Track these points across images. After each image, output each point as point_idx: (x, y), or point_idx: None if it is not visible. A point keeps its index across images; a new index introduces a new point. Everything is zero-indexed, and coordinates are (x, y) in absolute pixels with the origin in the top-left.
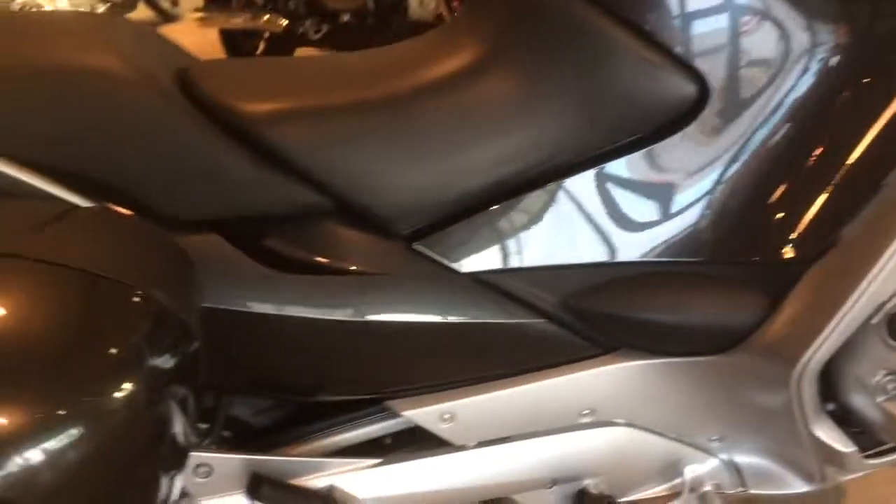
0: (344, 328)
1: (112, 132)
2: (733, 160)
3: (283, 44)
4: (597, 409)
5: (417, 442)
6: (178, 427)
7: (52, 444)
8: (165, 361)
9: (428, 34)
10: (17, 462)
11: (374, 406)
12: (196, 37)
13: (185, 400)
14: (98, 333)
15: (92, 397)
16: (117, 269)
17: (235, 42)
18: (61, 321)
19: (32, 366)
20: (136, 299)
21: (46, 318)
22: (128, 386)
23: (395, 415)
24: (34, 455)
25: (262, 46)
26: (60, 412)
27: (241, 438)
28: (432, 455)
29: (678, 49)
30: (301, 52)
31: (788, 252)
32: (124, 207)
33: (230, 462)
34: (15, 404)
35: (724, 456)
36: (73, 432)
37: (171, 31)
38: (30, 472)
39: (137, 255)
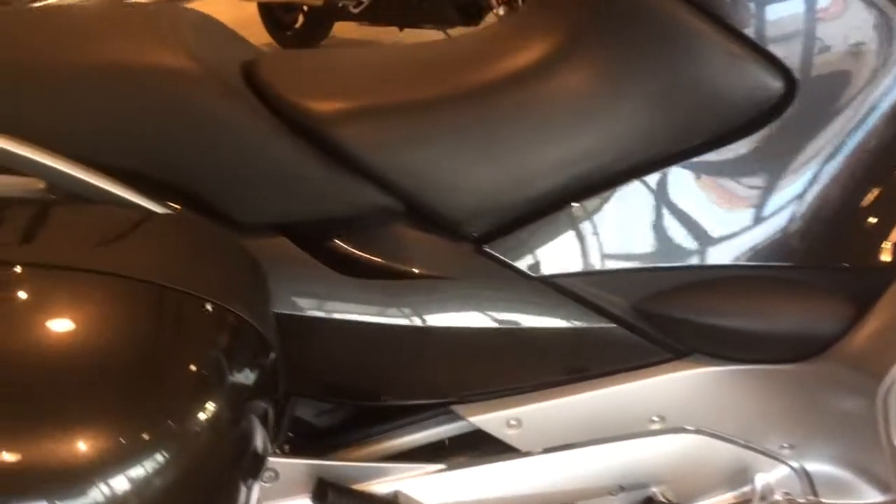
0: (412, 332)
1: (180, 132)
2: (823, 160)
3: (322, 17)
4: (666, 416)
5: (477, 445)
6: (259, 441)
7: (135, 470)
8: (246, 376)
9: (498, 24)
10: (100, 490)
11: (436, 409)
12: (235, 11)
13: (265, 413)
14: (178, 351)
15: (175, 419)
16: (196, 281)
17: (274, 16)
18: (139, 339)
19: (111, 388)
20: (214, 312)
21: (124, 337)
22: (211, 405)
23: (457, 418)
24: (117, 482)
25: (300, 20)
26: (144, 436)
27: (303, 439)
28: (497, 461)
29: (764, 42)
30: (340, 26)
31: (879, 258)
32: (190, 210)
33: (296, 467)
34: (94, 430)
35: (795, 463)
36: (157, 457)
37: (209, 6)
38: (114, 499)
39: (214, 264)
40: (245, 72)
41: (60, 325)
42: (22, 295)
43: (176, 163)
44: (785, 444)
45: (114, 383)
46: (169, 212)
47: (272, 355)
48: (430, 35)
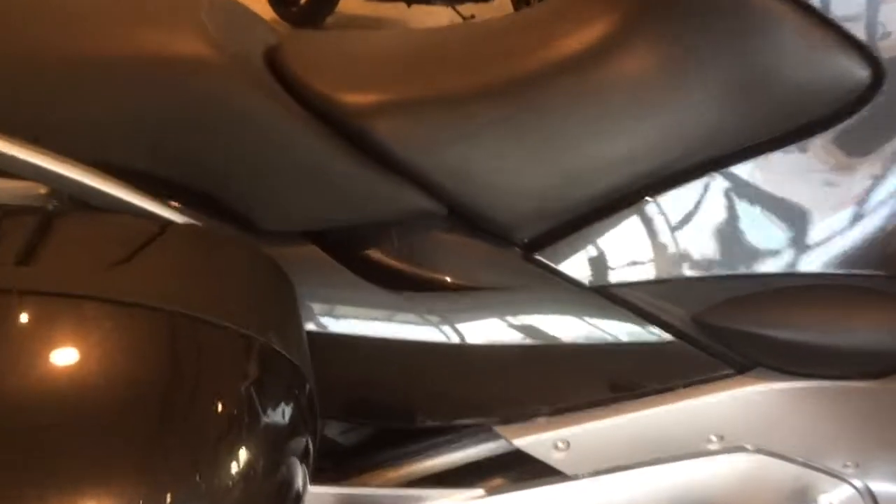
0: (455, 349)
1: (198, 129)
2: None
3: None
4: (725, 435)
5: (516, 466)
6: (298, 482)
7: None
8: (280, 416)
9: (542, 4)
10: None
11: (473, 429)
12: None
13: (303, 452)
14: (201, 394)
15: (203, 473)
16: (220, 307)
17: None
18: (153, 382)
19: (123, 442)
20: (243, 344)
21: (136, 379)
22: (243, 453)
23: (496, 437)
24: None
25: None
26: (167, 497)
27: (327, 460)
28: (540, 485)
29: (848, 26)
30: (346, 2)
31: None
32: (213, 217)
33: (323, 498)
34: (106, 492)
35: (859, 483)
36: None
37: None
38: None
39: (241, 285)
40: (269, 59)
41: (60, 366)
42: (16, 328)
43: (194, 164)
44: (849, 463)
45: (127, 435)
46: (186, 221)
47: (308, 388)
48: (439, 12)
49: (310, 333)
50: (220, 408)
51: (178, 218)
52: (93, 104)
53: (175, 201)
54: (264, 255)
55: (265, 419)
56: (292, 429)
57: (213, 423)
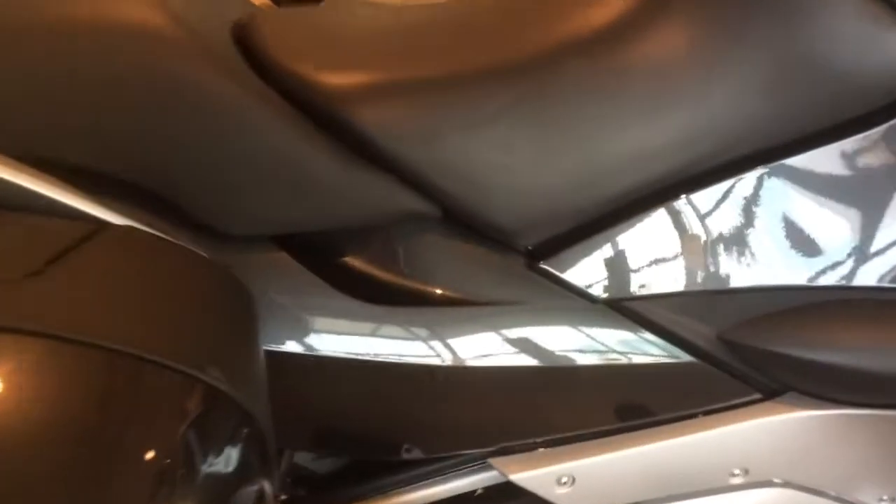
0: (447, 372)
1: (149, 115)
2: None
3: None
4: (750, 468)
5: (512, 498)
6: None
7: None
8: (225, 465)
9: None
10: None
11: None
12: None
13: (259, 499)
14: (128, 447)
15: None
16: (152, 337)
17: None
18: (67, 434)
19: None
20: (181, 385)
21: (44, 432)
22: None
23: (490, 470)
24: None
25: None
26: None
27: (303, 488)
28: None
29: None
30: None
31: None
32: (163, 220)
33: None
34: None
35: None
36: None
37: None
38: None
39: (183, 306)
40: (237, 36)
41: None
42: None
43: (138, 156)
44: (885, 497)
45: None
46: (126, 224)
47: (259, 430)
48: None
49: (276, 354)
50: (149, 462)
51: (117, 221)
52: (17, 82)
53: (115, 201)
54: (218, 266)
55: (205, 471)
56: (239, 479)
57: (140, 480)
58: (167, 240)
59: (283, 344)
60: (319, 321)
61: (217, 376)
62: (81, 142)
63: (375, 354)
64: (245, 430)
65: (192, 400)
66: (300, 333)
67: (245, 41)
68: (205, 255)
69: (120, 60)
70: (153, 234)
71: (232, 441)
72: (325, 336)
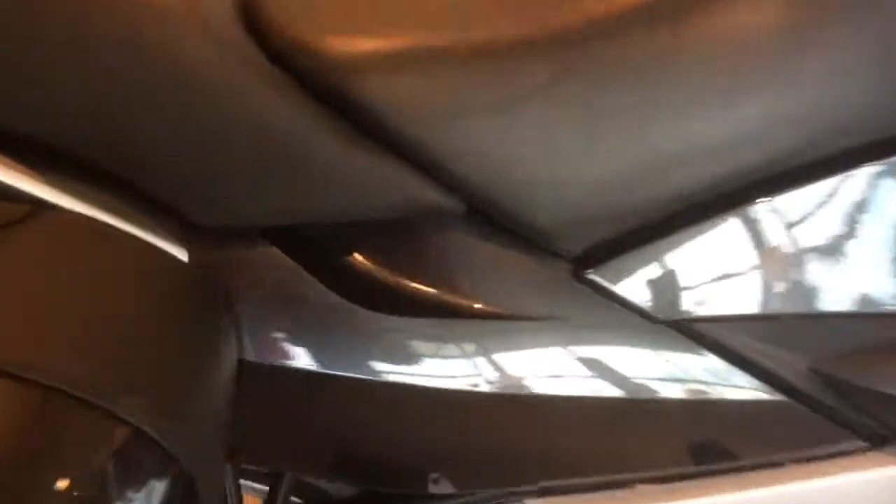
0: (472, 397)
1: (129, 88)
2: None
3: None
4: None
5: None
6: None
7: None
8: None
9: None
10: None
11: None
12: None
13: None
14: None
15: None
16: (62, 362)
17: None
18: None
19: None
20: (84, 422)
21: None
22: None
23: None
24: None
25: None
26: None
27: None
28: None
29: None
30: None
31: None
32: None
33: None
34: None
35: None
36: None
37: None
38: None
39: (113, 320)
40: (238, 4)
41: None
42: None
43: (106, 129)
44: None
45: None
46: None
47: (182, 475)
48: None
49: (263, 368)
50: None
51: (68, 205)
52: None
53: (69, 181)
54: (181, 265)
55: None
56: None
57: None
58: (118, 230)
59: (272, 356)
60: (313, 329)
61: (132, 410)
62: (35, 110)
63: (384, 374)
64: (162, 475)
65: (99, 437)
66: (290, 344)
67: (246, 10)
68: (169, 249)
69: (101, 30)
70: (101, 223)
71: (143, 486)
72: (318, 348)
